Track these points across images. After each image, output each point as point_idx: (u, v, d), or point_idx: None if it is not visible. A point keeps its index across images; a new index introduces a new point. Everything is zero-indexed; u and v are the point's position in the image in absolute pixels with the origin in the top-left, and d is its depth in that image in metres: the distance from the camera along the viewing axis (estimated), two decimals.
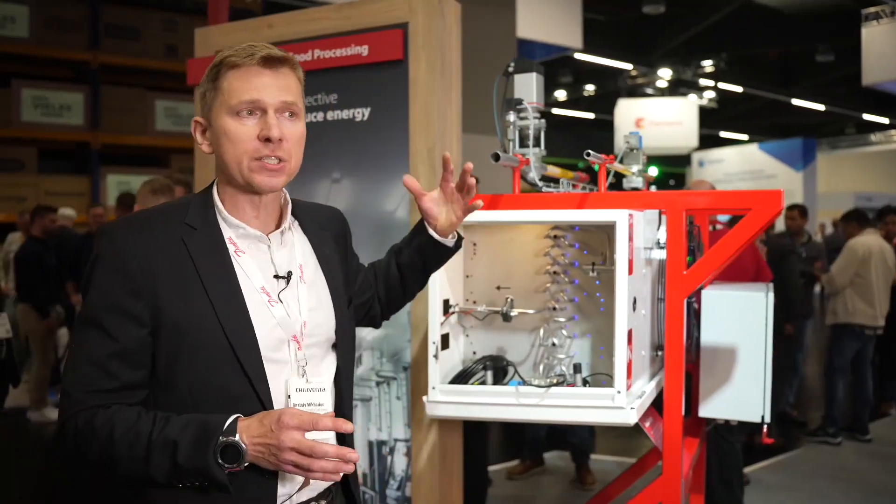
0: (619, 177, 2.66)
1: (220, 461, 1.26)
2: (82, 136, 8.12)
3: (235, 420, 1.29)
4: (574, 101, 17.57)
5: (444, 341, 2.28)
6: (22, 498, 4.64)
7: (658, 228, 2.27)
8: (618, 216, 1.96)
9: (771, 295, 2.42)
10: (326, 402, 1.44)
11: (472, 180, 1.63)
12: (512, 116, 2.32)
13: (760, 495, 4.59)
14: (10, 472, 5.08)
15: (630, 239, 1.98)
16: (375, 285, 1.80)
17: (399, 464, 2.70)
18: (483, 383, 2.24)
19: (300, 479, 1.44)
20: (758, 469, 5.08)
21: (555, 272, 2.26)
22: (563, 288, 2.26)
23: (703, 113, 15.83)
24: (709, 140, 18.45)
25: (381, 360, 2.72)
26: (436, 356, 2.18)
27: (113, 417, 1.30)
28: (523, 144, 2.36)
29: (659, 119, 14.56)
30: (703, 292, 2.46)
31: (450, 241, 1.73)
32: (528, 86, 2.38)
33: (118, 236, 1.37)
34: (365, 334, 2.73)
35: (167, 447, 1.27)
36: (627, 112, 14.75)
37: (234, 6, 7.91)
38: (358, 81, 2.72)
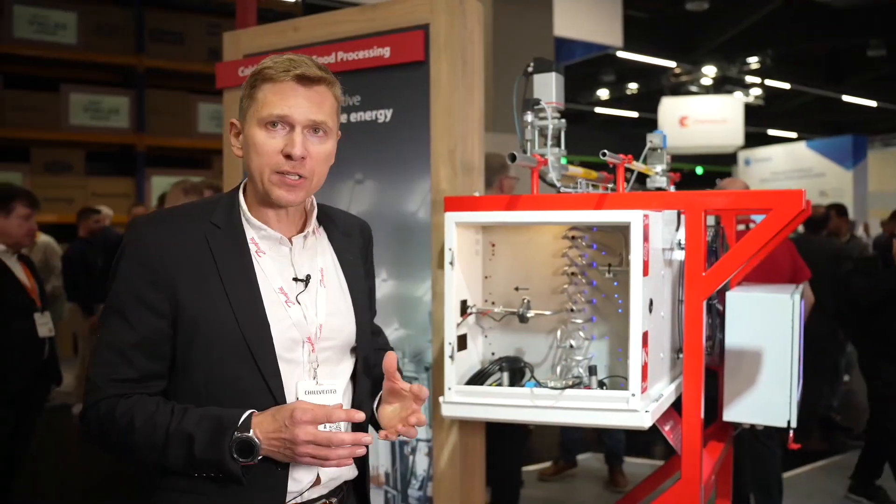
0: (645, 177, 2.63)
1: (235, 455, 1.31)
2: (128, 138, 8.33)
3: (250, 416, 1.34)
4: (617, 100, 17.38)
5: (462, 342, 2.28)
6: (66, 493, 4.77)
7: (677, 229, 2.23)
8: (632, 217, 1.94)
9: (797, 296, 2.36)
10: (336, 403, 1.46)
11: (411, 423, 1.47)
12: (530, 116, 2.31)
13: (800, 501, 4.48)
14: (55, 467, 5.24)
15: (645, 240, 1.96)
16: None
17: (421, 464, 2.71)
18: (502, 384, 2.24)
19: (311, 477, 1.47)
20: (799, 474, 4.97)
21: (572, 273, 2.24)
22: (580, 289, 2.24)
23: (750, 111, 15.50)
24: (756, 138, 18.06)
25: (404, 361, 2.73)
26: (451, 357, 2.18)
27: (133, 408, 1.36)
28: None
29: (703, 117, 14.28)
30: (728, 294, 2.42)
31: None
32: (547, 86, 2.36)
33: (144, 230, 1.43)
34: (387, 334, 2.74)
35: (184, 440, 1.33)
36: (671, 110, 14.51)
37: (276, 9, 8.05)
38: (380, 83, 2.74)
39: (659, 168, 2.59)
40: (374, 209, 2.77)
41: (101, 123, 8.19)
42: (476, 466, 2.71)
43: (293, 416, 1.30)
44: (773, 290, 2.54)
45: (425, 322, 2.67)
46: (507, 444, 3.83)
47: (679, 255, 2.28)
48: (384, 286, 2.75)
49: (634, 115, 18.34)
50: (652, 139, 2.59)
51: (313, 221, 1.54)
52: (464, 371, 2.26)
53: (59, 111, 7.95)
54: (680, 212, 2.20)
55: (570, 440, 4.88)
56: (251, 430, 1.31)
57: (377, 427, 1.55)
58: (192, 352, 1.39)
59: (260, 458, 1.33)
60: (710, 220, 2.68)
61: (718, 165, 19.70)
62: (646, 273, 1.97)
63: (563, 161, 2.38)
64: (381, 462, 2.78)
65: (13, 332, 3.44)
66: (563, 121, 2.37)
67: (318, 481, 1.47)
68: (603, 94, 16.66)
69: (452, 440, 2.63)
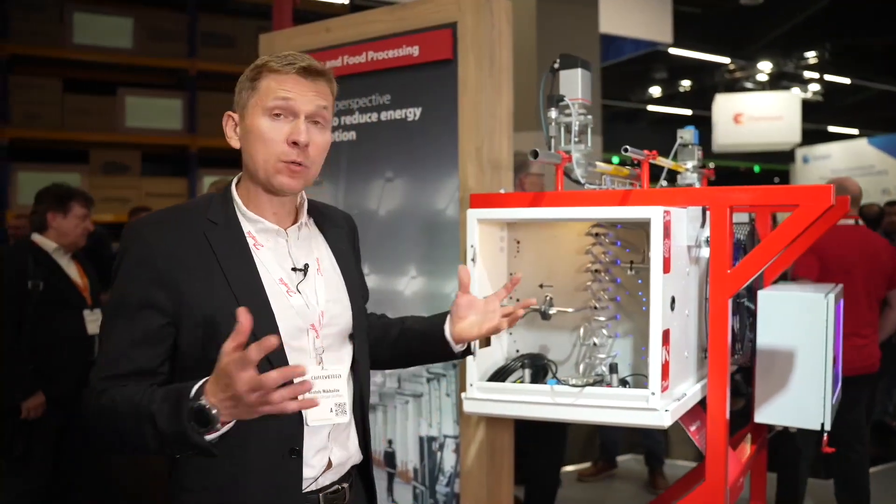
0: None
1: (196, 427, 1.26)
2: (181, 140, 8.53)
3: (203, 384, 1.28)
4: (670, 98, 17.11)
5: (486, 339, 2.28)
6: (119, 489, 4.90)
7: (702, 226, 2.19)
8: (652, 213, 1.91)
9: (832, 296, 2.30)
10: (342, 388, 1.53)
11: (521, 313, 1.70)
12: (554, 113, 2.30)
13: None
14: (104, 466, 5.37)
15: (666, 236, 1.93)
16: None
17: (448, 460, 2.72)
18: (524, 381, 2.23)
19: (323, 463, 1.51)
20: None
21: (596, 270, 2.22)
22: (604, 286, 2.22)
23: (808, 107, 15.06)
24: (815, 135, 17.56)
25: None
26: (473, 353, 2.18)
27: (115, 394, 1.35)
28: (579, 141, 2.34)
29: (758, 114, 13.92)
30: (760, 292, 2.37)
31: (458, 348, 1.73)
32: (572, 82, 2.35)
33: (142, 231, 1.47)
34: None
35: (150, 418, 1.30)
36: (725, 107, 14.20)
37: (322, 11, 8.15)
38: (410, 82, 2.76)
39: (690, 164, 2.55)
40: (403, 207, 2.79)
41: (155, 125, 8.40)
42: (504, 464, 2.71)
43: (227, 371, 1.22)
44: (808, 289, 2.47)
45: None
46: (543, 443, 3.82)
47: (706, 253, 2.24)
48: (413, 283, 2.77)
49: (688, 112, 18.03)
50: (682, 135, 2.55)
51: (304, 213, 1.58)
52: (487, 368, 2.26)
53: (116, 114, 8.18)
54: (705, 208, 2.16)
55: (610, 440, 4.83)
56: (203, 398, 1.25)
57: (448, 351, 1.71)
58: (200, 347, 1.42)
59: (226, 424, 1.27)
60: (745, 217, 2.63)
61: (776, 163, 19.22)
62: (667, 270, 1.94)
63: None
64: (409, 458, 2.80)
65: (62, 328, 3.55)
66: (590, 117, 2.35)
67: (329, 465, 1.52)
68: (655, 91, 16.42)
69: (480, 437, 2.64)
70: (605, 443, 4.83)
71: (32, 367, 3.47)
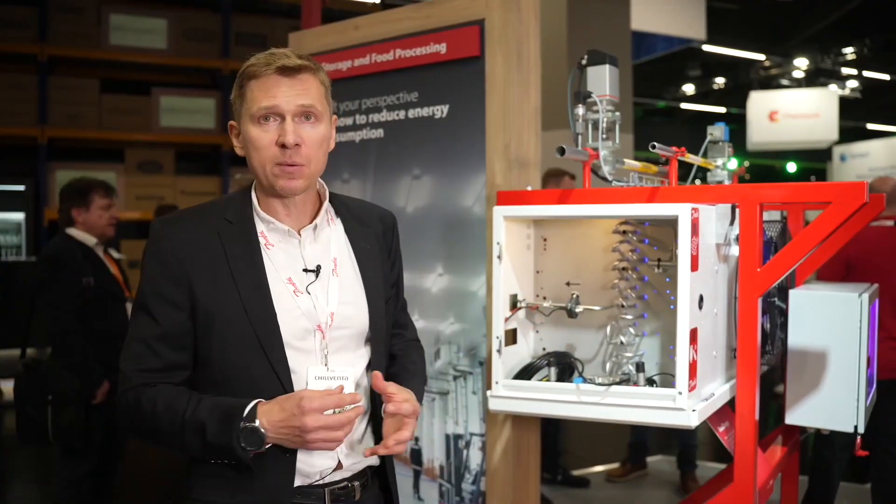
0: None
1: (242, 444, 1.36)
2: (214, 139, 8.63)
3: (256, 405, 1.39)
4: (703, 95, 16.87)
5: (513, 337, 2.28)
6: (162, 477, 4.97)
7: (731, 223, 2.16)
8: (680, 210, 1.89)
9: (866, 296, 2.25)
10: (347, 391, 1.50)
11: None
12: (581, 110, 2.28)
13: None
14: (145, 463, 5.45)
15: (694, 234, 1.91)
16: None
17: (474, 458, 2.72)
18: (550, 379, 2.22)
19: (331, 463, 1.51)
20: None
21: (623, 268, 2.20)
22: (632, 285, 2.19)
23: (846, 104, 14.74)
24: (854, 133, 17.20)
25: (458, 355, 2.74)
26: (499, 351, 2.18)
27: (156, 395, 1.43)
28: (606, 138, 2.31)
29: (794, 111, 13.64)
30: (791, 292, 2.33)
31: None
32: (600, 78, 2.32)
33: (162, 230, 1.50)
34: (443, 329, 2.77)
35: (198, 427, 1.39)
36: (760, 105, 13.94)
37: (359, 11, 8.18)
38: (437, 79, 2.76)
39: (720, 161, 2.51)
40: (430, 204, 2.80)
41: (189, 124, 8.51)
42: (531, 462, 2.70)
43: (301, 406, 1.35)
44: (841, 288, 2.43)
45: (480, 316, 2.67)
46: None
47: (736, 251, 2.21)
48: (440, 280, 2.78)
49: (722, 110, 17.78)
50: (712, 132, 2.51)
51: (323, 213, 1.57)
52: (513, 365, 2.25)
53: (151, 113, 8.30)
54: (735, 205, 2.12)
55: (639, 441, 4.78)
56: (257, 420, 1.37)
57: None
58: (209, 342, 1.46)
59: (269, 445, 1.39)
60: (776, 216, 2.59)
61: (813, 162, 18.87)
62: (694, 268, 1.91)
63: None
64: (435, 455, 2.80)
65: (114, 321, 3.59)
66: (618, 114, 2.33)
67: (339, 466, 1.52)
68: (689, 89, 16.21)
69: (506, 435, 2.63)
70: (633, 443, 4.79)
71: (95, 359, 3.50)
